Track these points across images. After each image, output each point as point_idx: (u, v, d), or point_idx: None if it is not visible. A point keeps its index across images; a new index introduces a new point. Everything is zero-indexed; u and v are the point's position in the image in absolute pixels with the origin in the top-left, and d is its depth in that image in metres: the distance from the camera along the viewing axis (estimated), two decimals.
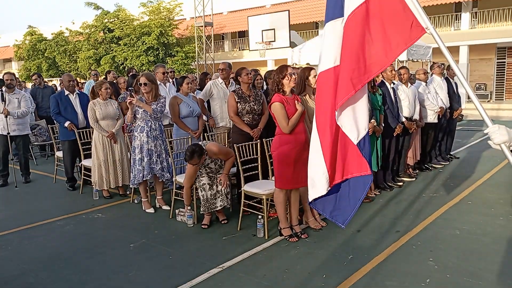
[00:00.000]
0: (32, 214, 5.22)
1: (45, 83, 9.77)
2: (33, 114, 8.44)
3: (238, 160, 4.53)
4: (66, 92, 6.15)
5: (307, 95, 4.45)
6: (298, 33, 18.87)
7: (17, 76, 7.00)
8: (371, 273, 3.44)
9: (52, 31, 26.13)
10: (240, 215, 4.52)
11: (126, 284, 3.39)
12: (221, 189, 4.53)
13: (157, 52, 21.86)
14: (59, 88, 11.26)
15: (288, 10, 16.37)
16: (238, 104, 4.95)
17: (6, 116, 6.27)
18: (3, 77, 6.48)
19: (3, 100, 6.24)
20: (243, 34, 24.95)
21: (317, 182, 2.75)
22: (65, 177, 6.36)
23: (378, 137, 5.46)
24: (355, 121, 2.67)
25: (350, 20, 2.47)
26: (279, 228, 4.27)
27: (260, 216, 4.31)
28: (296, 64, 12.28)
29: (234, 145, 4.61)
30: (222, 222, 4.68)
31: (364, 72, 2.45)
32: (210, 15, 21.20)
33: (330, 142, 2.68)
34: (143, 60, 21.53)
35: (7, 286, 3.38)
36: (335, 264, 3.63)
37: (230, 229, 4.50)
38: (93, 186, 5.77)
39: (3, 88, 6.34)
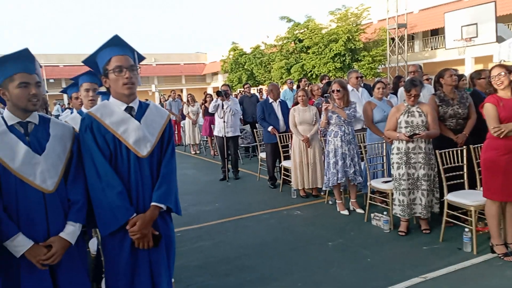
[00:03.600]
0: (242, 206, 6.02)
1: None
2: (239, 120, 9.66)
3: (441, 167, 4.28)
4: (270, 100, 6.87)
5: None
6: (506, 25, 16.43)
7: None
8: None
9: (250, 46, 29.33)
10: (443, 225, 4.25)
11: (327, 280, 3.60)
12: (421, 197, 4.35)
13: (344, 58, 22.14)
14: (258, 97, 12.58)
15: (495, 1, 14.43)
16: (440, 107, 4.68)
17: (224, 121, 7.42)
18: (221, 88, 7.69)
19: (222, 107, 7.40)
20: (436, 32, 23.09)
21: None
22: (267, 175, 7.10)
23: None
24: None
25: None
26: (490, 244, 3.85)
27: (467, 229, 3.97)
28: (504, 61, 10.73)
29: (436, 151, 4.37)
30: (424, 231, 4.47)
31: None
32: (403, 14, 20.28)
33: None
34: (330, 67, 22.12)
35: (228, 265, 4.00)
36: None
37: (431, 239, 4.28)
38: (291, 185, 6.29)
39: (218, 98, 7.49)
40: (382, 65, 22.00)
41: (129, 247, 2.25)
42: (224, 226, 5.16)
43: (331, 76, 20.94)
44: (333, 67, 22.02)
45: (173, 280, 2.58)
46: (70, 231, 2.10)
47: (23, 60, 2.04)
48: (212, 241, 4.66)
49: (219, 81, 37.96)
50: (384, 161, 5.32)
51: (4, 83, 2.02)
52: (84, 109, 3.51)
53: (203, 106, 11.01)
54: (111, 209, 2.16)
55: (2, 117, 2.07)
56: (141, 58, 2.47)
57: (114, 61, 2.23)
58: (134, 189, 2.26)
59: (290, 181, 6.37)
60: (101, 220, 2.20)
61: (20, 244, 1.97)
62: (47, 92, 4.87)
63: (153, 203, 2.27)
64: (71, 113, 4.40)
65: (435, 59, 22.73)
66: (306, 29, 24.01)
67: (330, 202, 5.82)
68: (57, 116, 6.00)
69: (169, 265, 2.42)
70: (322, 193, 6.19)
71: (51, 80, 34.99)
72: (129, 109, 2.30)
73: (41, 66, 2.33)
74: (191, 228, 5.12)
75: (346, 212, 5.36)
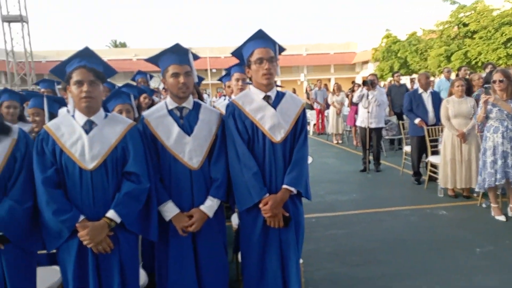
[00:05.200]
0: (380, 199, 5.84)
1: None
2: (385, 111, 9.25)
3: None
4: (420, 91, 6.43)
5: None
6: None
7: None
8: None
9: (406, 32, 27.54)
10: None
11: (470, 287, 3.30)
12: None
13: None
14: (409, 86, 11.83)
15: None
16: None
17: (368, 112, 7.25)
18: (367, 77, 7.50)
19: (367, 97, 7.23)
20: None
21: None
22: (411, 170, 6.71)
23: None
24: None
25: None
26: None
27: None
28: None
29: None
30: None
31: None
32: None
33: None
34: (500, 54, 19.39)
35: (360, 256, 3.97)
36: None
37: None
38: (438, 183, 5.82)
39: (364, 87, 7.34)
40: None
41: (262, 224, 2.46)
42: (359, 217, 5.10)
43: (501, 64, 18.38)
44: (505, 54, 19.21)
45: (301, 261, 2.71)
46: (209, 205, 2.40)
47: (175, 53, 2.38)
48: (346, 230, 4.67)
49: (369, 70, 36.68)
50: None
51: (163, 74, 2.41)
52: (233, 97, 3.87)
53: (350, 95, 10.88)
54: (247, 188, 2.39)
55: (165, 102, 2.47)
56: (282, 49, 2.62)
57: (257, 53, 2.43)
58: (268, 171, 2.44)
59: (437, 178, 5.90)
60: (238, 197, 2.45)
61: (169, 210, 2.34)
62: (203, 79, 5.47)
63: (284, 186, 2.42)
64: (224, 100, 4.90)
65: None
66: (473, 12, 21.41)
67: (483, 205, 5.22)
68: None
69: (297, 246, 2.55)
70: (474, 195, 5.59)
71: (213, 70, 38.80)
72: (266, 98, 2.48)
73: (198, 57, 2.67)
74: (325, 215, 5.21)
75: (502, 218, 4.74)
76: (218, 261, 2.48)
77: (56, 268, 2.70)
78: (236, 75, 3.94)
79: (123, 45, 52.81)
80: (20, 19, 28.88)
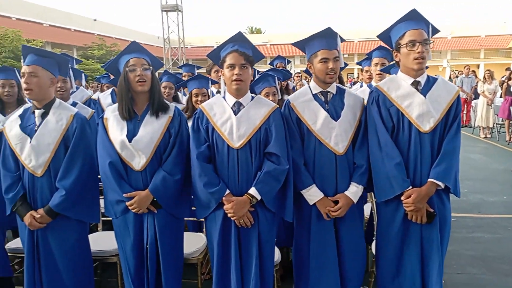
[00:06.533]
0: None
1: None
2: None
3: None
4: None
5: None
6: None
7: None
8: None
9: None
10: None
11: None
12: None
13: None
14: None
15: None
16: None
17: None
18: None
19: None
20: None
21: None
22: None
23: None
24: None
25: None
26: None
27: None
28: None
29: None
30: None
31: None
32: None
33: None
34: None
35: (510, 266, 3.50)
36: None
37: None
38: None
39: None
40: None
41: (402, 218, 2.33)
42: (511, 222, 4.50)
43: None
44: None
45: None
46: (354, 191, 2.35)
47: (326, 37, 2.33)
48: (494, 235, 4.17)
49: None
50: None
51: (310, 58, 2.39)
52: (373, 83, 3.71)
53: (505, 84, 9.56)
54: (387, 178, 2.27)
55: (309, 87, 2.48)
56: (436, 31, 2.41)
57: (408, 35, 2.26)
58: (412, 162, 2.28)
59: None
60: (378, 187, 2.35)
61: (313, 194, 2.35)
62: (347, 65, 5.32)
63: (430, 179, 2.24)
64: (360, 86, 4.74)
65: None
66: None
67: None
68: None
69: (441, 246, 2.35)
70: None
71: (345, 55, 37.81)
72: (415, 84, 2.31)
73: (343, 40, 2.60)
74: (469, 216, 4.71)
75: None
76: (358, 248, 2.45)
77: (201, 234, 2.99)
78: (375, 60, 3.78)
79: (259, 31, 54.77)
80: (176, 8, 31.74)
